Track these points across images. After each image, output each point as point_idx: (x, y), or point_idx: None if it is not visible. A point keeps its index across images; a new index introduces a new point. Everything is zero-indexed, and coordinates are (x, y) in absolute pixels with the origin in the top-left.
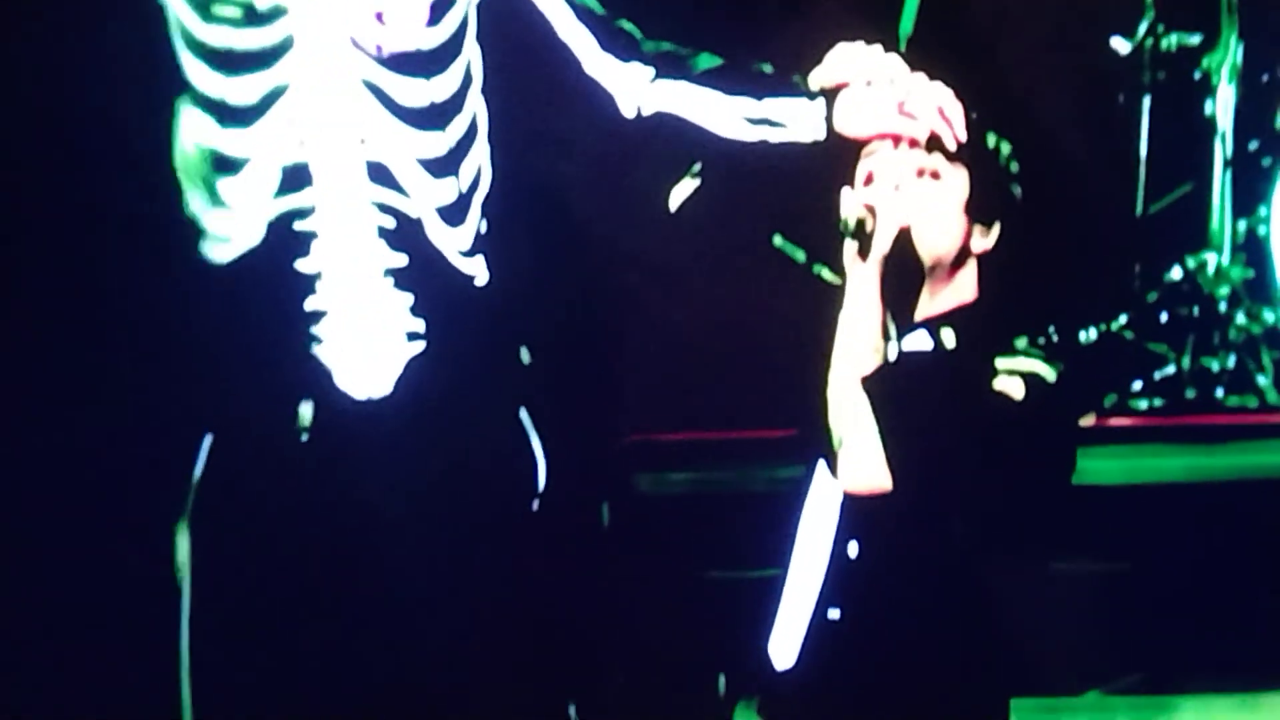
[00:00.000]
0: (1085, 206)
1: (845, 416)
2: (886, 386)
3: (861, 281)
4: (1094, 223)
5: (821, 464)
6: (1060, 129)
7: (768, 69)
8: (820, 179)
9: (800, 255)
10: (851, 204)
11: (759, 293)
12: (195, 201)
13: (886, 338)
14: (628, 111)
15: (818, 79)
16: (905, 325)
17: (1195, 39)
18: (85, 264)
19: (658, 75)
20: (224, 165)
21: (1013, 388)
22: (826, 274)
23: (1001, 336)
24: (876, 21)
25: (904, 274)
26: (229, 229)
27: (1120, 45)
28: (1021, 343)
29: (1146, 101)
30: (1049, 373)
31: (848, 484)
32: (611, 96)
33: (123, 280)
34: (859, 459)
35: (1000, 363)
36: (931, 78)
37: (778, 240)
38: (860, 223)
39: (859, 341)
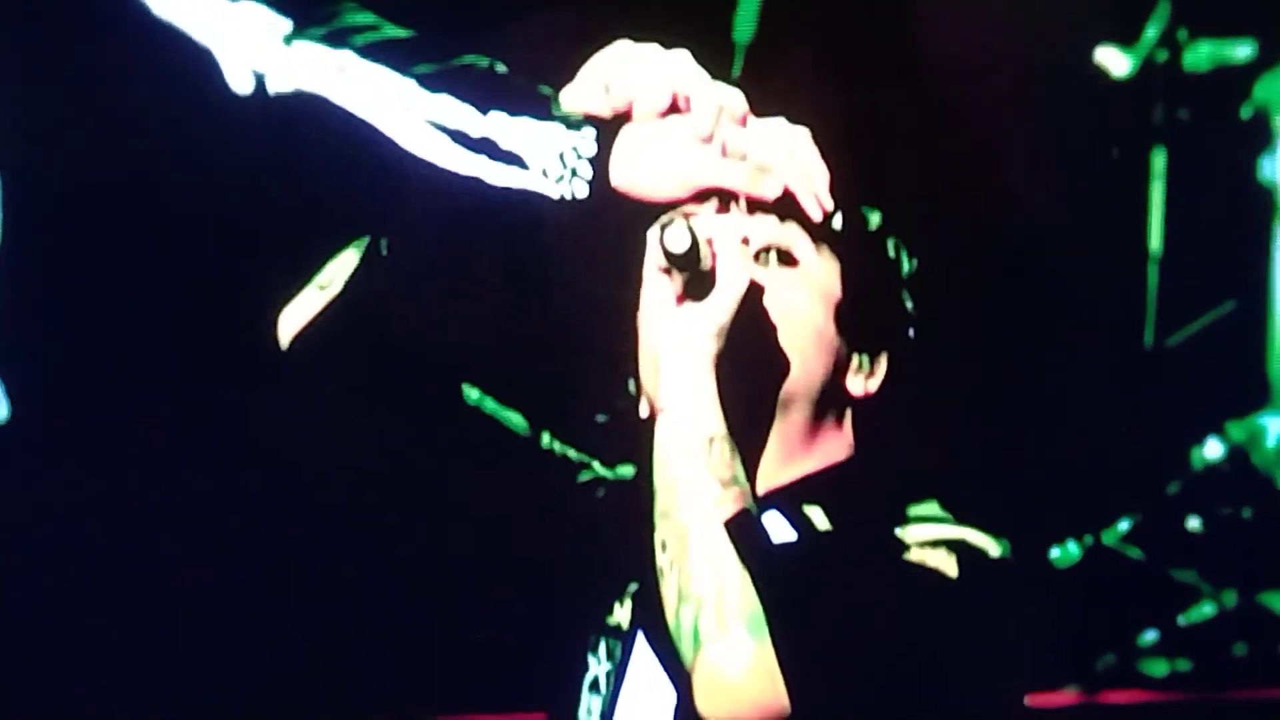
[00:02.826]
0: (1051, 336)
1: (703, 592)
2: (763, 546)
3: (690, 372)
4: (1069, 363)
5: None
6: (1003, 205)
7: (500, 68)
8: (573, 270)
9: (519, 422)
10: (681, 223)
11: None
12: None
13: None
14: (240, 84)
15: (580, 97)
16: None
17: (1242, 50)
18: None
19: (298, 31)
20: None
21: (940, 562)
22: (572, 454)
23: (900, 508)
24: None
25: (755, 369)
26: None
27: (1114, 61)
28: (931, 508)
29: (1160, 159)
30: (991, 546)
31: (714, 710)
32: (213, 60)
33: None
34: (734, 658)
35: (910, 533)
36: (770, 109)
37: (474, 395)
38: (691, 232)
39: (696, 463)
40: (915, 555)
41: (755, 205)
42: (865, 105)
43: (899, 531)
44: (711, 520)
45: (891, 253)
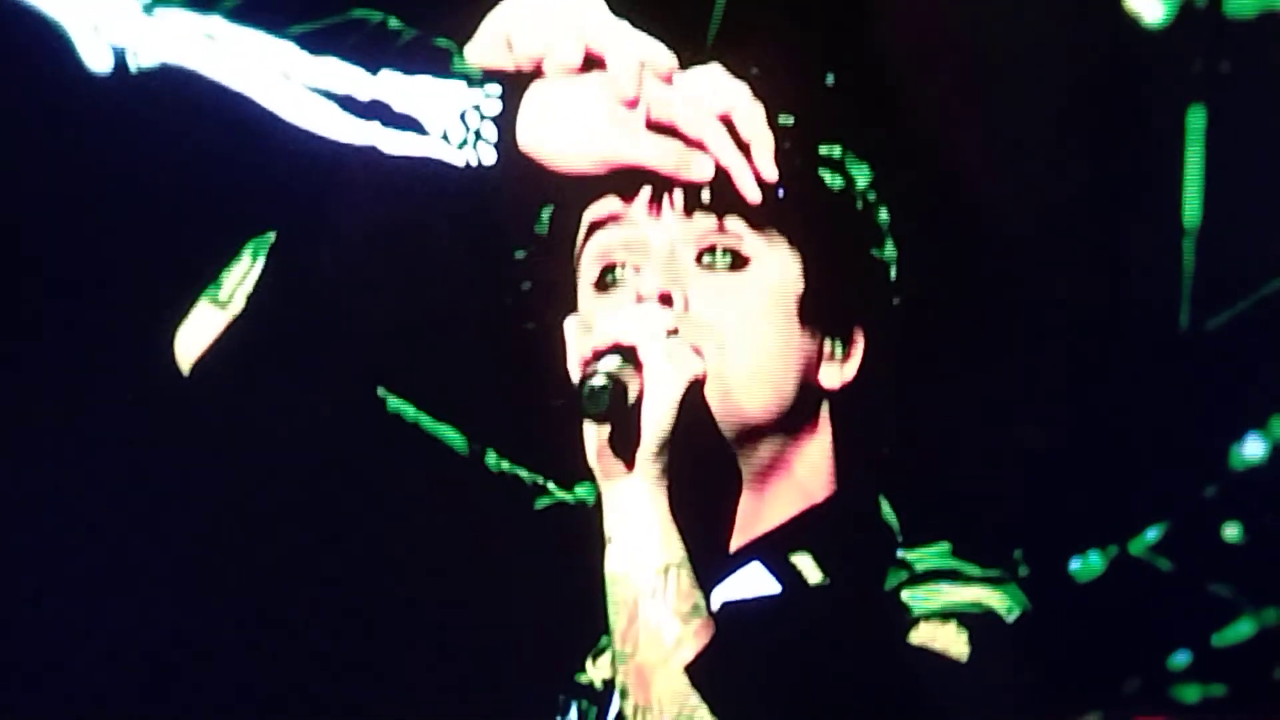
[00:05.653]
0: (1068, 317)
1: None
2: (725, 676)
3: (635, 498)
4: (1091, 349)
5: None
6: (1009, 168)
7: (394, 23)
8: (482, 250)
9: (455, 438)
10: (588, 347)
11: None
12: None
13: (703, 589)
14: (97, 61)
15: (483, 53)
16: (721, 559)
17: None
18: None
19: None
20: None
21: (949, 641)
22: (524, 475)
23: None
24: None
25: (708, 467)
26: None
27: (1147, 5)
28: (939, 554)
29: (1198, 118)
30: (1006, 609)
31: None
32: (65, 36)
33: None
34: None
35: (917, 598)
36: (728, 55)
37: (409, 413)
38: (614, 383)
39: (652, 601)
40: (923, 635)
41: (692, 200)
42: (845, 40)
43: (905, 596)
44: (674, 663)
45: (856, 201)
